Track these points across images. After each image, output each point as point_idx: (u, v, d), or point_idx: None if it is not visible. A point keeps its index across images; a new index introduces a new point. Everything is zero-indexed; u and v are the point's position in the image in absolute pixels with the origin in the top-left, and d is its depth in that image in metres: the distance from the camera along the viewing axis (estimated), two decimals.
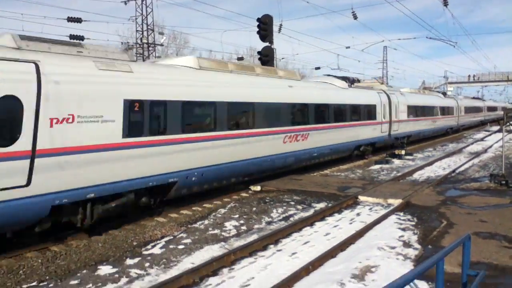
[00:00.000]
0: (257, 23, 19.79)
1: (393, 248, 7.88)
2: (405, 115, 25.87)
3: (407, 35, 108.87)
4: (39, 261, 7.73)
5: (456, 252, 5.38)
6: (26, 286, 6.75)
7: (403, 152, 22.77)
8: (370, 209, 11.31)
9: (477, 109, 53.45)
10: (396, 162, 21.23)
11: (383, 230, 9.10)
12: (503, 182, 13.50)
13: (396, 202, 11.59)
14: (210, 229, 9.59)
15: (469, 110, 46.93)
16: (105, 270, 7.27)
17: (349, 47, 37.58)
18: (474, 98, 62.49)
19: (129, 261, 7.66)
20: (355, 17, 26.71)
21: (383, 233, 8.89)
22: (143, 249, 8.34)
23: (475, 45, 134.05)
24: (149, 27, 35.81)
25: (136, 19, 35.67)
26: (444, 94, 43.52)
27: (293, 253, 7.92)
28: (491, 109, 66.50)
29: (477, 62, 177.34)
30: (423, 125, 29.74)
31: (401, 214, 10.46)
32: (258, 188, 13.91)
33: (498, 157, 20.39)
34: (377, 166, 19.83)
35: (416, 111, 28.05)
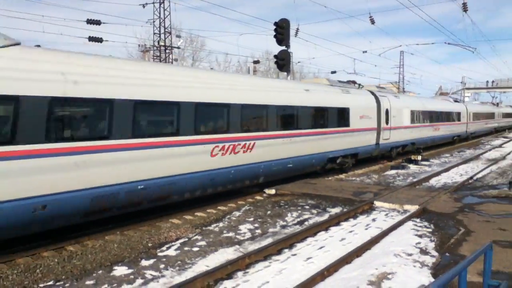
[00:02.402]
0: (274, 27, 19.78)
1: (410, 255, 7.76)
2: (400, 121, 22.95)
3: (425, 40, 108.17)
4: (56, 260, 7.78)
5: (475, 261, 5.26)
6: (43, 285, 6.80)
7: (419, 157, 22.52)
8: (386, 215, 11.18)
9: (490, 115, 50.04)
10: (412, 167, 21.01)
11: (400, 237, 8.98)
12: None
13: (412, 208, 11.44)
14: (225, 231, 9.58)
15: (480, 116, 43.97)
16: (120, 270, 7.30)
17: (366, 52, 37.85)
18: (489, 103, 60.20)
19: (144, 262, 7.69)
20: (373, 22, 26.67)
21: (400, 239, 8.77)
22: (158, 250, 8.37)
23: (495, 51, 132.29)
24: (166, 30, 36.07)
25: (153, 22, 36.00)
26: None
27: (308, 258, 7.87)
28: (507, 115, 63.69)
29: (496, 68, 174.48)
30: (423, 132, 26.45)
31: (418, 220, 10.31)
32: (272, 191, 13.87)
33: None
34: (393, 172, 19.64)
35: (415, 117, 25.07)
